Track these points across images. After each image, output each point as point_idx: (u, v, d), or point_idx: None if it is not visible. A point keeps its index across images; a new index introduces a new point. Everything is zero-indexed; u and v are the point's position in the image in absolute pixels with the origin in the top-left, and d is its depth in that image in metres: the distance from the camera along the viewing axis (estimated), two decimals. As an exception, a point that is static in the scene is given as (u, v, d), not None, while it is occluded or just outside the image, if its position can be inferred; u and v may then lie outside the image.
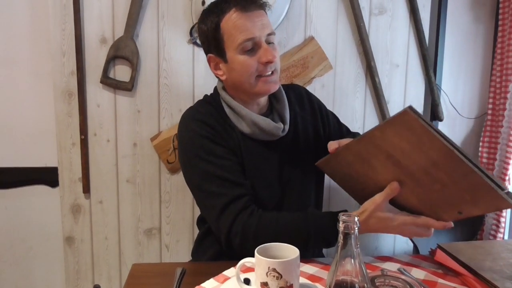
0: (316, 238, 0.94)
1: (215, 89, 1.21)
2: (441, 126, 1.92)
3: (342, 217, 0.57)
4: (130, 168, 1.75)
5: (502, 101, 1.73)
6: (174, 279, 0.90)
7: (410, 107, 0.74)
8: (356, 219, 0.56)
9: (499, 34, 1.74)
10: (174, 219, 1.80)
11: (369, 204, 0.91)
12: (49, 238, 1.85)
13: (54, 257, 1.85)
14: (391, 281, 0.69)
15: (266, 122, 1.10)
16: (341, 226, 0.57)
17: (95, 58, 1.66)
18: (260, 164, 1.11)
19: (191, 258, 1.31)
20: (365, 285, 0.56)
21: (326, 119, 1.29)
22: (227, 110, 1.13)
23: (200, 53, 1.71)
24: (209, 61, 1.13)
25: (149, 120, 1.73)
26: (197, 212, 1.78)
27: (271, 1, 1.40)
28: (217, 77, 1.16)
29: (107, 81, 1.67)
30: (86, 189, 1.73)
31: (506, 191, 0.76)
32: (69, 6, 1.61)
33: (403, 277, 0.67)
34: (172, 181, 1.78)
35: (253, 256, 0.80)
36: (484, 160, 1.86)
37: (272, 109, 1.19)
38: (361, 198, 0.98)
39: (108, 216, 1.77)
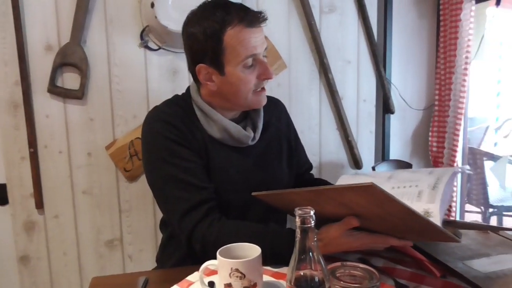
0: (273, 256, 0.93)
1: (188, 90, 1.17)
2: (393, 119, 1.99)
3: (298, 211, 0.58)
4: (85, 179, 1.69)
5: (447, 92, 1.82)
6: (136, 290, 0.88)
7: (373, 183, 0.72)
8: (312, 212, 0.57)
9: (441, 29, 1.84)
10: (135, 228, 1.76)
11: (325, 235, 0.89)
12: (2, 259, 1.74)
13: (8, 279, 1.75)
14: (351, 271, 0.70)
15: (236, 129, 1.09)
16: (297, 220, 0.58)
17: (41, 66, 1.59)
18: (227, 168, 1.10)
19: (156, 266, 1.29)
20: (325, 277, 0.56)
21: (298, 145, 1.31)
22: (198, 113, 1.10)
23: (152, 56, 1.67)
24: (198, 71, 1.05)
25: (102, 128, 1.67)
26: (160, 218, 1.75)
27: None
28: (197, 83, 1.11)
29: (55, 90, 1.60)
30: (40, 205, 1.65)
31: (454, 235, 0.81)
32: (8, 13, 1.53)
33: (361, 265, 0.69)
34: (131, 190, 1.73)
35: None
36: (434, 149, 1.95)
37: (246, 116, 1.18)
38: None
39: (65, 231, 1.70)
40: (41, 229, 1.68)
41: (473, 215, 3.03)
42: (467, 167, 0.99)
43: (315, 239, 0.58)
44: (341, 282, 0.65)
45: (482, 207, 2.97)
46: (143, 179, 1.74)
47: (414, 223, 0.78)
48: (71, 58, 1.59)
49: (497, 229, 1.04)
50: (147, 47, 1.66)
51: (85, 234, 1.72)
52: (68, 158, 1.66)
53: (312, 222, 0.57)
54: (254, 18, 1.00)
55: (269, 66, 1.06)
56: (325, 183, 1.30)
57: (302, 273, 0.57)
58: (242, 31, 0.99)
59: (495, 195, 2.90)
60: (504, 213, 2.95)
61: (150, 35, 1.66)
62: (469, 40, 1.71)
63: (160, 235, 1.75)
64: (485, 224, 1.19)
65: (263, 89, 1.09)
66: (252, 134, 1.12)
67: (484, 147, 3.75)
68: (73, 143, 1.66)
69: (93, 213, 1.71)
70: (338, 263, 0.70)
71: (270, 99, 1.27)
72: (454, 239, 0.78)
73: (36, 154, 1.62)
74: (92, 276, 1.72)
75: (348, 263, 0.70)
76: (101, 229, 1.73)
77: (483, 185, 2.76)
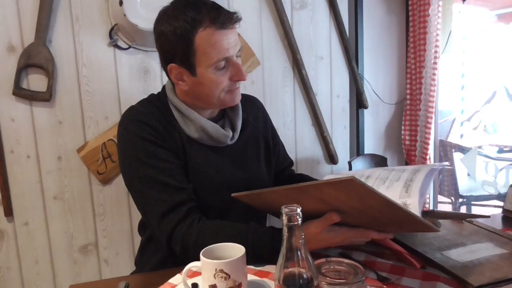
0: (254, 255, 0.92)
1: (164, 89, 1.14)
2: (366, 113, 2.02)
3: (284, 209, 0.57)
4: (56, 184, 1.63)
5: (418, 86, 1.87)
6: (116, 296, 0.85)
7: (353, 177, 0.72)
8: (298, 210, 0.57)
9: (410, 24, 1.88)
10: (111, 231, 1.71)
11: (306, 232, 0.87)
12: (-32, 271, 1.66)
13: (-24, 291, 1.67)
14: (336, 266, 0.70)
15: (214, 129, 1.07)
16: (284, 218, 0.57)
17: (4, 68, 1.51)
18: (206, 168, 1.08)
19: (134, 269, 1.26)
20: (313, 274, 0.56)
21: (277, 143, 1.30)
22: (175, 112, 1.07)
23: (122, 56, 1.63)
24: (170, 70, 1.02)
25: (73, 130, 1.62)
26: (136, 221, 1.71)
27: None
28: (172, 83, 1.09)
29: (20, 92, 1.53)
30: (8, 212, 1.58)
31: (433, 225, 0.82)
32: (-33, 13, 1.45)
33: (346, 261, 0.69)
34: (105, 193, 1.69)
35: (197, 260, 0.78)
36: (407, 142, 2.00)
37: (224, 115, 1.16)
38: None
39: (36, 238, 1.63)
40: (11, 238, 1.61)
41: (445, 206, 3.13)
42: (446, 163, 1.02)
43: (302, 236, 0.58)
44: (327, 278, 0.65)
45: (452, 198, 3.07)
46: (117, 181, 1.69)
47: (395, 215, 0.79)
48: (36, 59, 1.52)
49: (473, 217, 1.08)
50: (116, 46, 1.61)
51: (57, 240, 1.66)
52: (37, 163, 1.60)
53: (299, 219, 0.57)
54: (226, 19, 0.97)
55: (242, 67, 1.03)
56: (306, 177, 1.30)
57: (290, 271, 0.57)
58: (214, 34, 0.96)
59: (463, 185, 3.00)
60: (473, 202, 3.06)
61: (119, 34, 1.61)
62: (437, 35, 1.75)
63: (137, 238, 1.72)
64: (461, 213, 1.23)
65: (236, 88, 1.07)
66: (230, 134, 1.10)
67: (451, 139, 3.87)
68: (41, 147, 1.59)
69: (66, 218, 1.65)
70: (323, 259, 0.70)
71: (247, 98, 1.26)
72: (434, 229, 0.80)
73: (3, 159, 1.55)
74: (66, 283, 1.69)
75: (333, 258, 0.70)
76: (75, 235, 1.67)
77: (453, 176, 2.85)
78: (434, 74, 1.79)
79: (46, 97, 1.55)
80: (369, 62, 2.00)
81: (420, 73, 1.83)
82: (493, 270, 0.83)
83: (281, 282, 0.58)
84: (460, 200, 3.06)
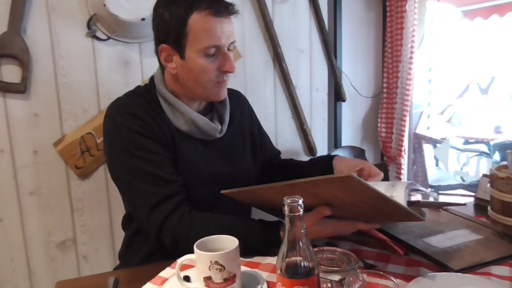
0: (245, 247, 0.93)
1: (152, 80, 1.12)
2: (344, 106, 2.07)
3: (286, 200, 0.59)
4: (32, 179, 1.58)
5: (394, 80, 1.92)
6: (107, 291, 0.84)
7: (351, 174, 0.74)
8: (300, 201, 0.58)
9: (388, 19, 1.93)
10: (90, 227, 1.68)
11: None
12: None
13: None
14: (328, 255, 0.73)
15: (204, 122, 1.07)
16: (286, 209, 0.59)
17: (-25, 58, 1.45)
18: (195, 161, 1.08)
19: (117, 263, 1.24)
20: (314, 263, 0.58)
21: (262, 136, 1.32)
22: (163, 104, 1.07)
23: (101, 47, 1.59)
24: (160, 51, 1.03)
25: (49, 123, 1.57)
26: (116, 215, 1.69)
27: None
28: (162, 67, 1.08)
29: (-7, 83, 1.47)
30: (-19, 208, 1.52)
31: (419, 214, 0.86)
32: None
33: (339, 250, 0.71)
34: (83, 187, 1.65)
35: (184, 254, 0.79)
36: (383, 135, 2.06)
37: (212, 109, 1.16)
38: (277, 213, 1.01)
39: (11, 235, 1.58)
40: (-16, 235, 1.55)
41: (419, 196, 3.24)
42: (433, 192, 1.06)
43: (304, 227, 0.59)
44: (322, 266, 0.67)
45: (427, 189, 3.19)
46: (96, 176, 1.66)
47: (385, 207, 0.82)
48: (10, 49, 1.46)
49: (451, 205, 1.13)
50: (95, 36, 1.57)
51: (34, 237, 1.61)
52: (11, 158, 1.54)
53: (301, 210, 0.59)
54: (222, 8, 0.98)
55: (232, 60, 1.04)
56: (295, 164, 1.32)
57: (292, 261, 0.58)
58: (207, 18, 0.97)
59: (432, 175, 3.13)
60: (440, 192, 3.20)
61: (98, 24, 1.57)
62: (414, 30, 1.81)
63: (117, 233, 1.70)
64: (442, 202, 1.29)
65: (223, 81, 1.07)
66: (219, 127, 1.11)
67: (419, 131, 4.01)
68: (16, 140, 1.54)
69: (43, 214, 1.61)
70: (316, 249, 0.72)
71: (232, 92, 1.26)
72: (420, 218, 0.83)
73: (-25, 154, 1.49)
74: (44, 281, 1.65)
75: (326, 247, 0.72)
76: (52, 231, 1.63)
77: (423, 167, 2.96)
78: (410, 69, 1.84)
79: (20, 88, 1.50)
80: (348, 56, 2.04)
81: (397, 67, 1.89)
82: (471, 255, 0.88)
83: (283, 272, 0.59)
84: (429, 189, 3.19)
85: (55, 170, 1.60)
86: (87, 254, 1.69)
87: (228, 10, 0.99)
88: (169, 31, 0.99)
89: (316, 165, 1.21)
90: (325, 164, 1.16)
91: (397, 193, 0.90)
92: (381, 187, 0.92)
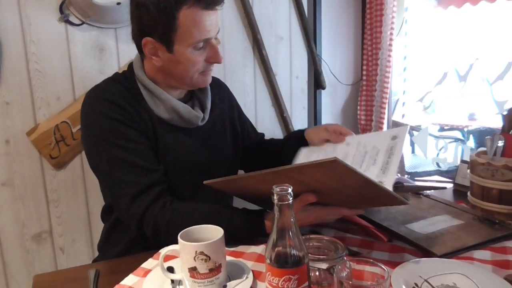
0: (229, 236, 0.92)
1: (130, 67, 1.08)
2: (324, 94, 2.07)
3: (275, 189, 0.57)
4: (4, 170, 1.52)
5: (374, 67, 1.93)
6: (88, 284, 0.82)
7: (336, 158, 0.73)
8: (290, 190, 0.57)
9: (367, 6, 1.92)
10: (66, 218, 1.63)
11: None
12: None
13: None
14: (315, 243, 0.72)
15: (186, 110, 1.05)
16: (275, 198, 0.58)
17: None
18: (176, 150, 1.06)
19: (96, 255, 1.21)
20: (304, 252, 0.57)
21: (244, 123, 1.30)
22: (143, 92, 1.03)
23: (75, 32, 1.53)
24: (144, 44, 0.99)
25: (21, 112, 1.51)
26: (93, 206, 1.65)
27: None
28: (143, 55, 1.04)
29: (-40, 70, 1.39)
30: (-51, 201, 1.46)
31: (403, 198, 0.86)
32: None
33: (326, 237, 0.71)
34: (58, 178, 1.60)
35: (166, 244, 0.78)
36: (363, 122, 2.07)
37: (192, 96, 1.14)
38: (260, 202, 1.00)
39: (-17, 228, 1.52)
40: (-46, 229, 1.49)
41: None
42: (404, 126, 1.06)
43: (293, 216, 0.58)
44: (309, 254, 0.67)
45: (398, 174, 3.26)
46: (72, 166, 1.61)
47: (370, 192, 0.82)
48: (-24, 33, 1.39)
49: (433, 188, 1.16)
50: (68, 21, 1.51)
51: (7, 229, 1.56)
52: (-19, 148, 1.48)
53: (290, 199, 0.58)
54: (211, 0, 0.95)
55: (219, 50, 1.03)
56: (272, 143, 1.31)
57: (281, 250, 0.58)
58: (198, 13, 0.94)
59: (407, 162, 3.20)
60: (416, 178, 3.28)
61: (71, 9, 1.51)
62: (393, 17, 1.81)
63: (95, 224, 1.66)
64: (424, 185, 1.31)
65: (210, 70, 1.07)
66: (201, 115, 1.09)
67: (394, 119, 4.08)
68: (-14, 130, 1.47)
69: (16, 206, 1.55)
70: (302, 237, 0.71)
71: (213, 80, 1.24)
72: (405, 202, 0.84)
73: None
74: (19, 274, 1.60)
75: (312, 235, 0.72)
76: (26, 223, 1.58)
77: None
78: (389, 56, 1.85)
79: (-11, 76, 1.43)
80: (327, 43, 2.03)
81: (376, 54, 1.89)
82: (453, 240, 0.89)
83: (272, 261, 0.58)
84: (406, 176, 3.26)
85: (28, 160, 1.54)
86: (63, 246, 1.65)
87: (216, 2, 0.96)
88: (156, 25, 0.95)
89: (290, 140, 1.22)
90: (298, 139, 1.17)
91: (387, 179, 0.91)
92: (376, 167, 0.92)
